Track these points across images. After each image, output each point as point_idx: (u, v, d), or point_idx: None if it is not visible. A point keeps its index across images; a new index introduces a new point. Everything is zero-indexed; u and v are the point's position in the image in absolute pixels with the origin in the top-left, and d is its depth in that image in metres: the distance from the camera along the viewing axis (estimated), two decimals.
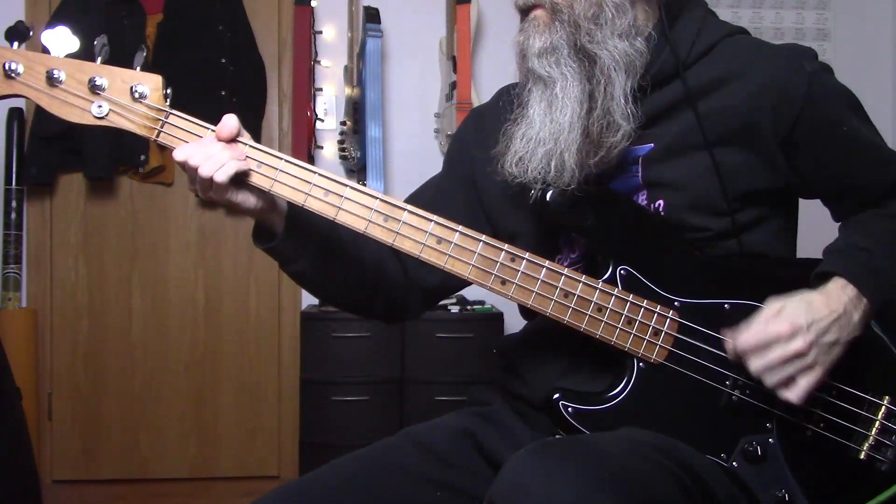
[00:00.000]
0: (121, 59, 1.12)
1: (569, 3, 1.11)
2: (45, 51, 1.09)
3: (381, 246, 1.26)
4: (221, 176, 1.07)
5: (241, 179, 1.09)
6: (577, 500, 0.85)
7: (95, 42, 1.11)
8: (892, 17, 3.55)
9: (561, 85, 1.10)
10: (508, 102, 1.18)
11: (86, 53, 1.10)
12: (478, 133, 1.32)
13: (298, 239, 1.17)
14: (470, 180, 1.32)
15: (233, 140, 1.10)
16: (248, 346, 3.33)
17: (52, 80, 1.08)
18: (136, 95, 1.10)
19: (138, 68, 1.11)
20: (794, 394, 1.06)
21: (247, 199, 1.12)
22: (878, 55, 3.53)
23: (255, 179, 1.10)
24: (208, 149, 1.08)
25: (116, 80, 1.10)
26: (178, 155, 1.08)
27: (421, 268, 1.28)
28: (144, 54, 1.13)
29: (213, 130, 1.10)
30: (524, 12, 1.16)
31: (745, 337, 1.07)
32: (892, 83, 3.53)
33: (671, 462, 0.97)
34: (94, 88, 1.08)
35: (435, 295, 1.35)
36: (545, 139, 1.10)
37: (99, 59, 1.10)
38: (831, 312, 1.07)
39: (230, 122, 1.10)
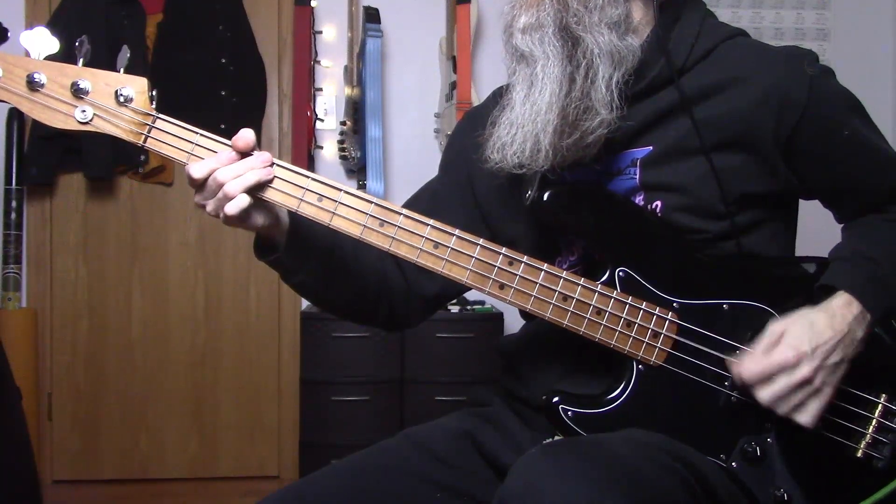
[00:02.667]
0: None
1: None
2: (26, 53, 1.04)
3: (383, 255, 1.25)
4: (233, 209, 1.03)
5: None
6: (590, 501, 0.84)
7: (77, 43, 1.05)
8: (892, 17, 3.55)
9: (542, 64, 1.09)
10: (500, 97, 1.17)
11: (67, 57, 1.06)
12: (473, 135, 1.31)
13: (300, 252, 1.15)
14: (467, 183, 1.32)
15: (246, 153, 1.06)
16: (248, 346, 3.33)
17: (32, 85, 1.03)
18: (121, 99, 1.05)
19: (122, 70, 1.06)
20: (805, 418, 1.07)
21: (255, 220, 1.08)
22: (878, 55, 3.53)
23: None
24: (235, 167, 1.04)
25: (100, 83, 1.05)
26: (197, 171, 1.04)
27: (421, 276, 1.28)
28: (128, 55, 1.07)
29: (201, 135, 1.06)
30: None
31: (749, 366, 1.06)
32: (892, 83, 3.53)
33: (678, 463, 0.98)
34: (78, 92, 1.04)
35: (434, 302, 1.34)
36: (525, 122, 1.09)
37: (80, 60, 1.05)
38: (836, 333, 1.07)
39: (248, 135, 1.05)
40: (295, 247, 1.14)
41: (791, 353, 1.05)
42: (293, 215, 1.12)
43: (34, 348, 3.11)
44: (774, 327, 1.08)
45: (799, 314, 1.09)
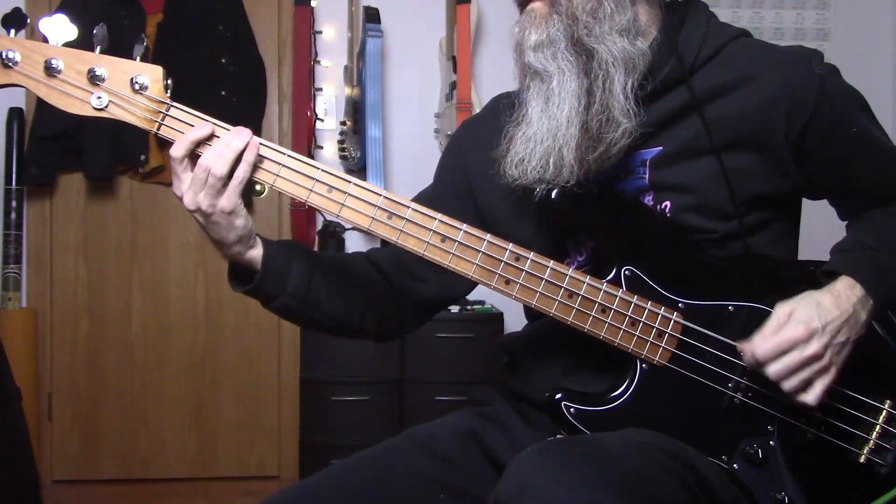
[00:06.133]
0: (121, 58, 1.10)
1: None
2: (44, 39, 1.07)
3: (367, 268, 1.26)
4: (221, 167, 1.06)
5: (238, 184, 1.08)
6: (583, 501, 0.84)
7: (95, 31, 1.08)
8: (892, 17, 3.55)
9: (557, 79, 1.09)
10: (508, 106, 1.17)
11: (84, 44, 1.08)
12: (473, 143, 1.31)
13: (277, 274, 1.16)
14: (465, 191, 1.31)
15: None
16: (248, 346, 3.33)
17: (50, 70, 1.05)
18: (137, 87, 1.07)
19: (138, 58, 1.08)
20: (811, 397, 1.07)
21: (237, 225, 1.09)
22: (878, 55, 3.54)
23: (258, 175, 1.08)
24: (214, 149, 1.07)
25: (116, 70, 1.07)
26: (177, 151, 1.06)
27: (415, 281, 1.28)
28: (144, 44, 1.10)
29: (214, 123, 1.08)
30: (522, 5, 1.15)
31: (761, 344, 1.06)
32: (892, 83, 3.54)
33: (676, 463, 0.97)
34: (94, 79, 1.06)
35: (430, 307, 1.34)
36: (543, 137, 1.09)
37: (98, 48, 1.08)
38: (842, 313, 1.07)
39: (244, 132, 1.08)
40: (272, 270, 1.15)
41: (802, 328, 1.05)
42: (268, 244, 1.15)
43: (34, 348, 3.11)
44: (781, 308, 1.08)
45: (804, 295, 1.09)
